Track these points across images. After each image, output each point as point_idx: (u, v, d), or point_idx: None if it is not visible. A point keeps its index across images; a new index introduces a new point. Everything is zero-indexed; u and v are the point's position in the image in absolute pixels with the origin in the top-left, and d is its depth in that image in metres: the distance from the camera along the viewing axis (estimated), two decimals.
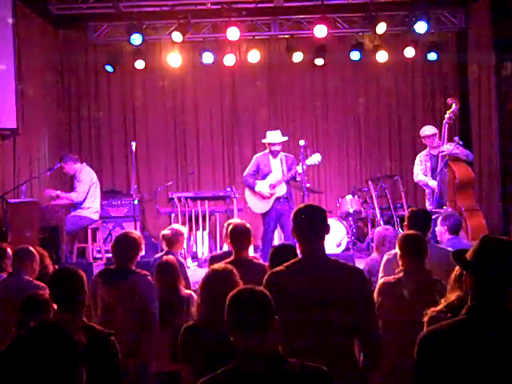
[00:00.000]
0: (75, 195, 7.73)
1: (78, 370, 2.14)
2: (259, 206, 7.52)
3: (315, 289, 2.77)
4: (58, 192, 7.79)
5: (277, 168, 7.46)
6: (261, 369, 2.11)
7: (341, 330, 2.77)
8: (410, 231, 3.99)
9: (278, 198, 7.36)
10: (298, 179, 7.36)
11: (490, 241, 2.17)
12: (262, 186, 7.43)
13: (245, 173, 7.67)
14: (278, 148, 7.45)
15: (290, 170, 7.35)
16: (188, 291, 4.33)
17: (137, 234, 4.33)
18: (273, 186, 7.39)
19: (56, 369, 2.08)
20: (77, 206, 7.80)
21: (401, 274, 3.66)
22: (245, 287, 2.30)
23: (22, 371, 2.12)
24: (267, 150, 7.54)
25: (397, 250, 3.83)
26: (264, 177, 7.50)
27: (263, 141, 7.65)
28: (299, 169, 7.25)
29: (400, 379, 3.42)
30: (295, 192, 8.08)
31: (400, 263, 3.75)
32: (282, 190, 7.34)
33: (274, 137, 7.49)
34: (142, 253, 4.58)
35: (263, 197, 7.42)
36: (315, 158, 7.34)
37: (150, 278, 4.11)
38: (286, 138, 7.58)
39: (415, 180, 7.48)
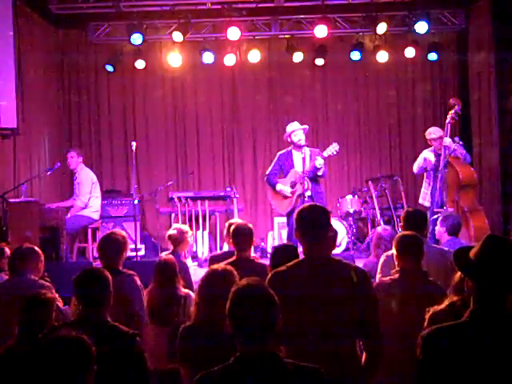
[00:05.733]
0: (80, 202, 7.77)
1: (85, 378, 2.15)
2: (282, 206, 7.08)
3: (317, 289, 2.76)
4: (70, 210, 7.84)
5: (299, 164, 6.93)
6: (258, 368, 2.12)
7: (343, 331, 2.76)
8: (407, 231, 3.98)
9: (299, 196, 6.81)
10: (319, 174, 6.89)
11: (493, 243, 2.15)
12: (282, 185, 7.01)
13: (267, 171, 7.27)
14: (300, 138, 6.96)
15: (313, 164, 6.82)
16: (186, 290, 4.33)
17: (121, 233, 4.29)
18: (293, 183, 6.93)
19: (64, 378, 2.10)
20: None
21: (397, 275, 3.64)
22: (250, 284, 2.25)
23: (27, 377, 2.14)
24: (290, 147, 7.14)
25: (393, 251, 3.82)
26: (287, 175, 7.07)
27: (287, 132, 7.20)
28: (317, 163, 6.77)
29: (397, 379, 3.42)
30: None
31: (396, 263, 3.72)
32: (304, 188, 6.72)
33: (291, 126, 7.11)
34: (128, 252, 4.56)
35: (285, 196, 7.00)
36: (332, 148, 6.88)
37: (135, 277, 4.10)
38: (305, 126, 7.13)
39: (414, 171, 7.69)
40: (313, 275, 2.80)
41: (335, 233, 4.62)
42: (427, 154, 7.44)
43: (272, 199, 7.25)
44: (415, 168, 7.62)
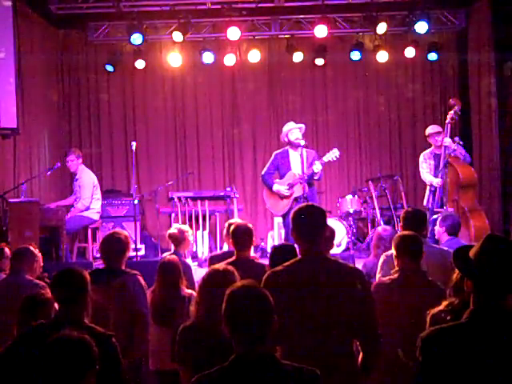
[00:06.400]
0: (81, 205, 7.76)
1: (88, 377, 2.15)
2: (278, 207, 6.99)
3: (314, 289, 2.76)
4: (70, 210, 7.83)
5: (296, 165, 6.83)
6: (255, 370, 2.12)
7: (340, 331, 2.76)
8: (406, 231, 3.97)
9: (296, 199, 6.74)
10: (316, 178, 6.80)
11: (493, 243, 2.15)
12: (280, 186, 6.89)
13: (263, 171, 7.14)
14: (298, 136, 6.86)
15: (310, 168, 6.71)
16: (189, 291, 4.32)
17: (124, 233, 4.26)
18: (291, 185, 6.83)
19: (66, 376, 2.10)
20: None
21: (396, 275, 3.63)
22: (245, 286, 2.26)
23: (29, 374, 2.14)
24: (287, 147, 7.05)
25: (392, 251, 3.81)
26: (283, 176, 6.97)
27: (283, 132, 7.10)
28: (315, 168, 6.67)
29: (395, 379, 3.42)
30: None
31: (396, 263, 3.71)
32: (300, 190, 6.63)
33: (288, 126, 7.04)
34: (131, 252, 4.54)
35: (281, 197, 6.89)
36: (333, 154, 6.82)
37: (139, 277, 4.08)
38: (301, 125, 7.05)
39: (422, 178, 7.48)
40: (309, 275, 2.79)
41: (332, 233, 4.61)
42: (424, 157, 7.43)
43: (268, 200, 7.12)
44: (424, 175, 7.39)
